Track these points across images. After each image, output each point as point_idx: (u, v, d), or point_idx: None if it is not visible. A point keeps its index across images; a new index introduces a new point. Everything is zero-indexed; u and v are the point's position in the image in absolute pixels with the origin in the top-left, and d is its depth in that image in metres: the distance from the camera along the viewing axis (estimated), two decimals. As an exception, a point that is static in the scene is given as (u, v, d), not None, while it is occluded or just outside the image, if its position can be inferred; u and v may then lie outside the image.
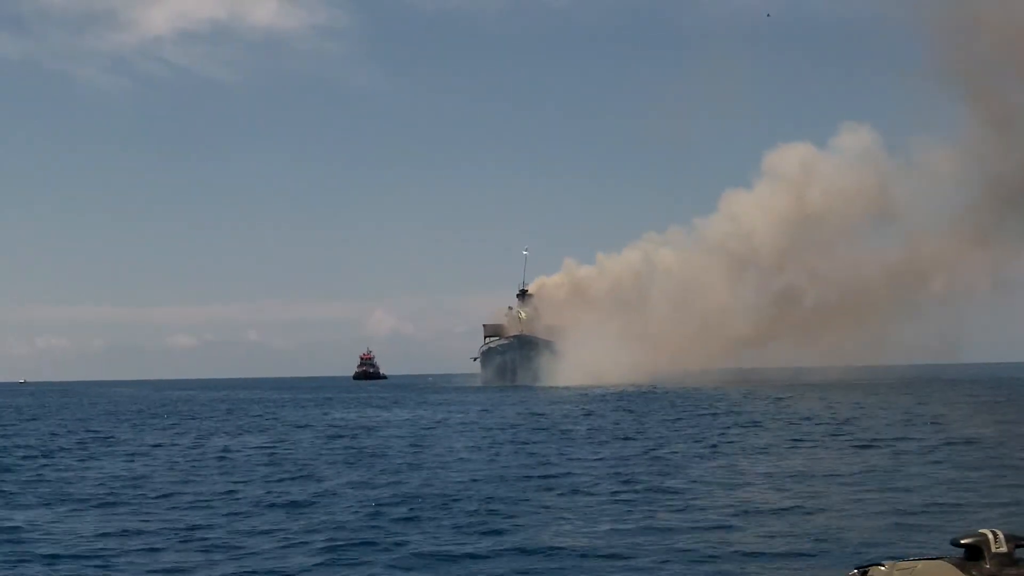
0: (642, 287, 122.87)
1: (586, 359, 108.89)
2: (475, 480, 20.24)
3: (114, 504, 17.99)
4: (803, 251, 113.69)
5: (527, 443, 30.05)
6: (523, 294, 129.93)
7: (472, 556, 12.43)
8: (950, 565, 1.38)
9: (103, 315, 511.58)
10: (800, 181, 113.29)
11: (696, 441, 29.39)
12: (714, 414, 44.37)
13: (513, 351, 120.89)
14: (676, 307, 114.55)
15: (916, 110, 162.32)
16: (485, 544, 13.25)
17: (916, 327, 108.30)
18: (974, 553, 1.48)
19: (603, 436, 32.66)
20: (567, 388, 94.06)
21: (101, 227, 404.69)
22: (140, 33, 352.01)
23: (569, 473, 21.53)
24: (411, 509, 16.35)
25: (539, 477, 20.86)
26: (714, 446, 27.58)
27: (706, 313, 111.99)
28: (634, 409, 50.24)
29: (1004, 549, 1.50)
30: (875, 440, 27.78)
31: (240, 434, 38.05)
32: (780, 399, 57.72)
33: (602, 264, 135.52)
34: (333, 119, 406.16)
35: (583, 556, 12.32)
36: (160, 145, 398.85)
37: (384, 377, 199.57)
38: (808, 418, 39.26)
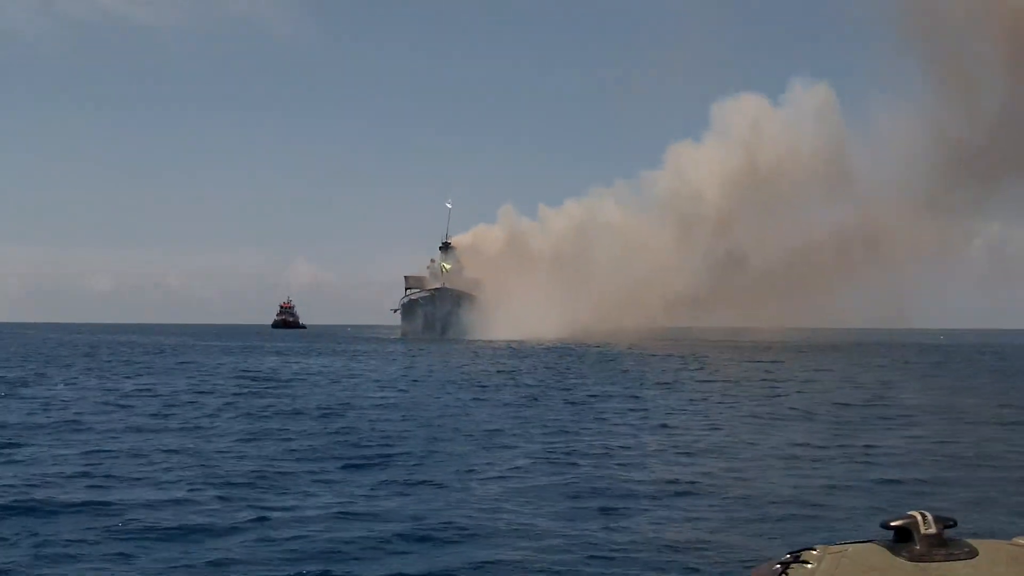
0: (583, 242, 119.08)
1: (513, 314, 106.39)
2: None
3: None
4: (751, 211, 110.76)
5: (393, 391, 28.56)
6: (446, 246, 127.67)
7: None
8: (880, 547, 1.48)
9: (21, 255, 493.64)
10: (750, 138, 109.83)
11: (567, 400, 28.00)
12: (617, 372, 43.36)
13: (434, 304, 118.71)
14: (616, 264, 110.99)
15: (875, 70, 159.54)
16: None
17: (862, 293, 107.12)
18: (903, 535, 1.54)
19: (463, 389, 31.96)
20: (489, 342, 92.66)
21: (23, 167, 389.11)
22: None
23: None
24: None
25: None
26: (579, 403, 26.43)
27: (647, 271, 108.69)
28: (536, 365, 49.09)
29: (933, 530, 1.56)
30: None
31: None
32: (702, 358, 57.34)
33: (544, 217, 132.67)
34: (260, 66, 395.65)
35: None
36: (86, 88, 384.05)
37: (303, 327, 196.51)
38: (708, 380, 38.34)
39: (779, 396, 29.24)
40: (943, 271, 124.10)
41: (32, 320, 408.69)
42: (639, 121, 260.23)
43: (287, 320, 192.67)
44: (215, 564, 8.92)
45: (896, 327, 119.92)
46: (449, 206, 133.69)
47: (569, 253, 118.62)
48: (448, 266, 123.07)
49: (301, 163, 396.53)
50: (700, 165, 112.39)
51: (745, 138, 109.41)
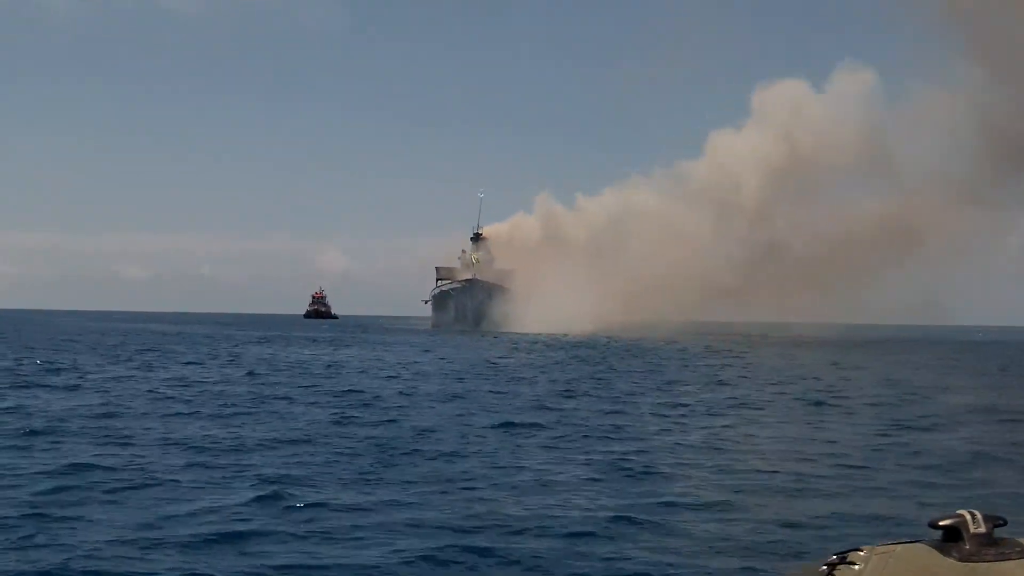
0: (620, 231, 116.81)
1: (547, 306, 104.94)
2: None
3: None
4: (790, 200, 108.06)
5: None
6: (477, 237, 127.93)
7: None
8: (929, 547, 1.45)
9: (53, 241, 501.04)
10: (790, 124, 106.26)
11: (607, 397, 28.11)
12: (654, 368, 43.39)
13: (465, 295, 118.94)
14: (653, 253, 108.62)
15: (919, 56, 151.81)
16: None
17: (902, 286, 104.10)
18: (952, 534, 1.48)
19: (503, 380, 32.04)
20: (520, 334, 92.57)
21: (54, 152, 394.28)
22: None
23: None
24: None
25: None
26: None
27: (684, 261, 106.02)
28: (567, 359, 49.24)
29: (983, 529, 1.50)
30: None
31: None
32: (742, 355, 56.58)
33: (581, 207, 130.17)
34: (292, 55, 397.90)
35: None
36: (117, 71, 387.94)
37: (335, 317, 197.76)
38: (745, 377, 38.20)
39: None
40: (983, 264, 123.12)
41: (65, 307, 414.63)
42: (680, 110, 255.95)
43: (319, 310, 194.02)
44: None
45: (936, 323, 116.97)
46: (481, 196, 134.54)
47: (605, 242, 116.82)
48: (479, 257, 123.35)
49: (334, 152, 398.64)
50: (740, 153, 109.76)
51: (785, 125, 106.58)
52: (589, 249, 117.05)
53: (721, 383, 32.97)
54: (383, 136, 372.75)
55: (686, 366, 44.14)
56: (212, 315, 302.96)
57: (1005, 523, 1.65)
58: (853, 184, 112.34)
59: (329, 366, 40.41)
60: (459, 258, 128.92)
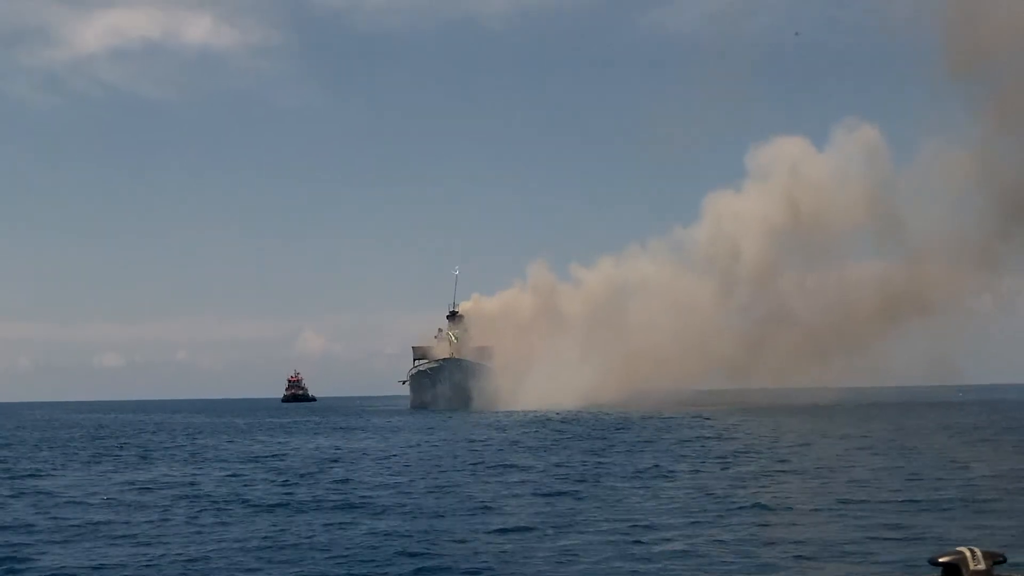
0: (618, 304, 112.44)
1: (532, 382, 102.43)
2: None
3: None
4: (793, 264, 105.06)
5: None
6: (453, 315, 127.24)
7: None
8: None
9: (29, 332, 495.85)
10: (791, 184, 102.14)
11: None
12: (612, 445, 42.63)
13: (442, 374, 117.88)
14: (652, 326, 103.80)
15: (924, 112, 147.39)
16: None
17: (914, 348, 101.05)
18: (952, 571, 1.49)
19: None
20: (505, 413, 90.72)
21: (29, 243, 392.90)
22: (72, 50, 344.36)
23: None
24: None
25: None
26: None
27: (684, 332, 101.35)
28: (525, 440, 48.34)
29: (982, 567, 1.52)
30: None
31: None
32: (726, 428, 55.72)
33: (577, 276, 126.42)
34: (266, 137, 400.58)
35: None
36: (91, 163, 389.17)
37: (313, 399, 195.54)
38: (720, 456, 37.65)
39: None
40: (993, 325, 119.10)
41: (41, 399, 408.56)
42: (675, 173, 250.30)
43: (296, 394, 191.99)
44: None
45: (949, 383, 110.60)
46: (456, 273, 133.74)
47: (603, 315, 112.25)
48: (456, 335, 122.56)
49: (308, 233, 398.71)
50: (739, 215, 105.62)
51: (785, 184, 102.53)
52: (586, 322, 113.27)
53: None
54: (360, 213, 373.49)
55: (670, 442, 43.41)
56: (189, 401, 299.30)
57: (1004, 560, 1.65)
58: (858, 246, 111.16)
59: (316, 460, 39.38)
60: (436, 336, 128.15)
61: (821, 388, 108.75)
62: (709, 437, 46.21)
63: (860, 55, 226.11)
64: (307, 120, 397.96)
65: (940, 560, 1.59)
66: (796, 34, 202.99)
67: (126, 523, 19.79)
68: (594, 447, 40.34)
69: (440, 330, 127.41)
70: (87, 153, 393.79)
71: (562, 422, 65.31)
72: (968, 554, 1.57)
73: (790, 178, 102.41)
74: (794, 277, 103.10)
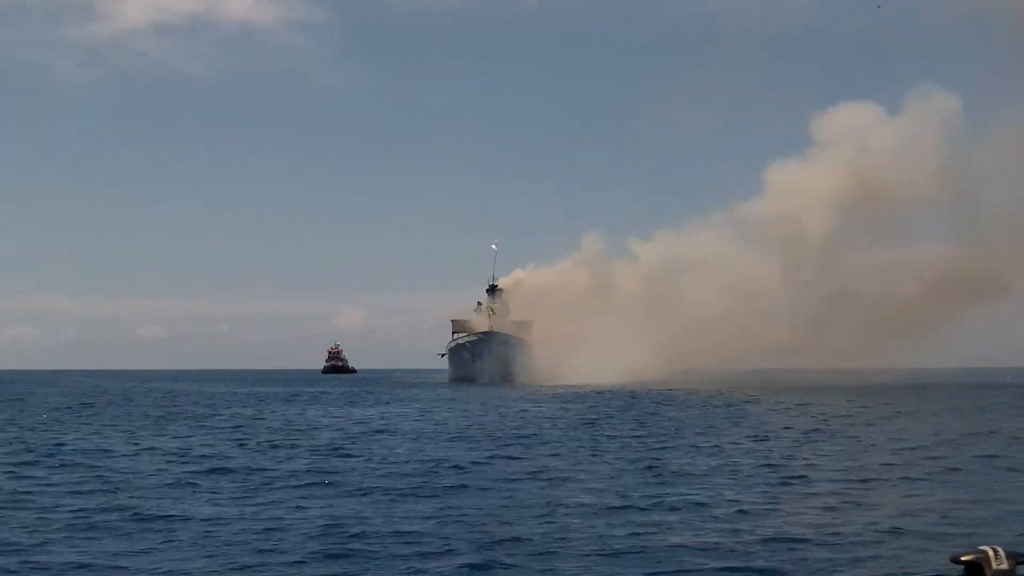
0: (674, 280, 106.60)
1: (576, 359, 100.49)
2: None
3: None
4: (859, 240, 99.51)
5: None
6: (493, 289, 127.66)
7: None
8: None
9: (75, 306, 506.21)
10: (859, 153, 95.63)
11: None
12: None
13: (481, 347, 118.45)
14: (709, 303, 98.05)
15: (1002, 82, 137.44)
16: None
17: (980, 330, 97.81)
18: (974, 570, 1.48)
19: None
20: (539, 387, 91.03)
21: (74, 218, 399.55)
22: (116, 25, 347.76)
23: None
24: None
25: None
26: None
27: (742, 311, 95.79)
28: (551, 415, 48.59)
29: (1005, 566, 1.49)
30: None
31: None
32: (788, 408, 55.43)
33: (632, 251, 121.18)
34: (305, 114, 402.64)
35: None
36: (133, 137, 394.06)
37: (354, 371, 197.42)
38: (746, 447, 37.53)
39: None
40: None
41: (86, 367, 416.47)
42: (737, 143, 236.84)
43: (336, 365, 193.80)
44: None
45: (996, 366, 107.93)
46: (495, 248, 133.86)
47: (658, 291, 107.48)
48: (493, 309, 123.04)
49: (351, 208, 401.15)
50: (803, 188, 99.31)
51: (853, 154, 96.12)
52: (639, 298, 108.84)
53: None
54: (405, 189, 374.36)
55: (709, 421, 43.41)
56: (232, 372, 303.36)
57: None
58: (928, 222, 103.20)
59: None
60: (475, 310, 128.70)
61: (882, 369, 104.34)
62: (795, 415, 45.78)
63: (938, 23, 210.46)
64: (345, 97, 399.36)
65: (963, 559, 1.58)
66: (878, 7, 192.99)
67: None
68: (652, 424, 40.51)
69: (479, 303, 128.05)
70: (129, 128, 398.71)
71: (609, 398, 65.36)
72: (991, 553, 1.56)
73: (858, 148, 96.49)
74: (860, 254, 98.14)
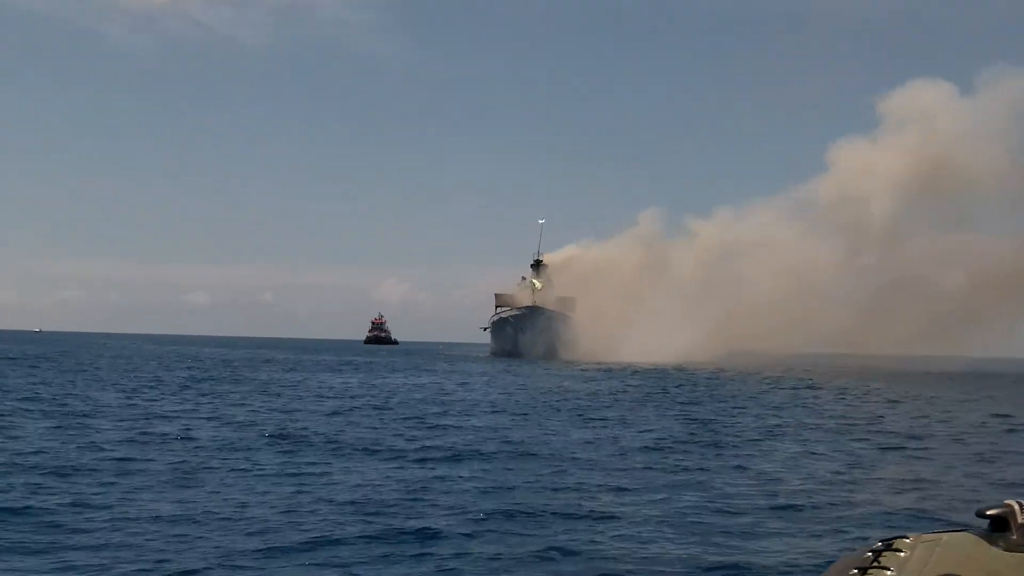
0: (732, 261, 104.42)
1: (624, 337, 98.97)
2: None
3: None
4: (926, 224, 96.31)
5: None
6: (538, 264, 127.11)
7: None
8: (975, 537, 1.46)
9: (122, 270, 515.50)
10: (928, 134, 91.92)
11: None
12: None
13: (524, 322, 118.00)
14: (767, 286, 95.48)
15: None
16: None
17: None
18: (999, 524, 1.49)
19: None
20: (580, 364, 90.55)
21: (125, 183, 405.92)
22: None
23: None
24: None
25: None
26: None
27: (801, 295, 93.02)
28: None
29: None
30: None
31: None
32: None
33: (691, 229, 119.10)
34: (353, 85, 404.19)
35: None
36: (182, 104, 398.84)
37: (395, 342, 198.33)
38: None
39: None
40: None
41: (131, 332, 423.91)
42: (799, 122, 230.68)
43: (379, 336, 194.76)
44: None
45: None
46: (542, 223, 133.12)
47: (715, 271, 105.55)
48: (537, 284, 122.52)
49: (396, 180, 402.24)
50: (868, 168, 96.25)
51: (922, 135, 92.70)
52: (694, 277, 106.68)
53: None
54: (448, 163, 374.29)
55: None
56: (275, 340, 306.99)
57: None
58: (999, 209, 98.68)
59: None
60: (519, 284, 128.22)
61: (945, 357, 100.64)
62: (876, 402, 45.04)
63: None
64: (393, 69, 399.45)
65: (988, 513, 1.51)
66: None
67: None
68: (701, 403, 39.86)
69: (523, 278, 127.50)
70: (179, 94, 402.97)
71: (657, 377, 64.64)
72: (1016, 507, 1.48)
73: (927, 129, 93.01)
74: (927, 240, 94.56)
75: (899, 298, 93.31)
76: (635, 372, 70.17)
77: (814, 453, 20.98)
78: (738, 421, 29.15)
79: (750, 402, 38.91)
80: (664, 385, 52.09)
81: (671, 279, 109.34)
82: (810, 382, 58.83)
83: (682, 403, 37.34)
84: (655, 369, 76.32)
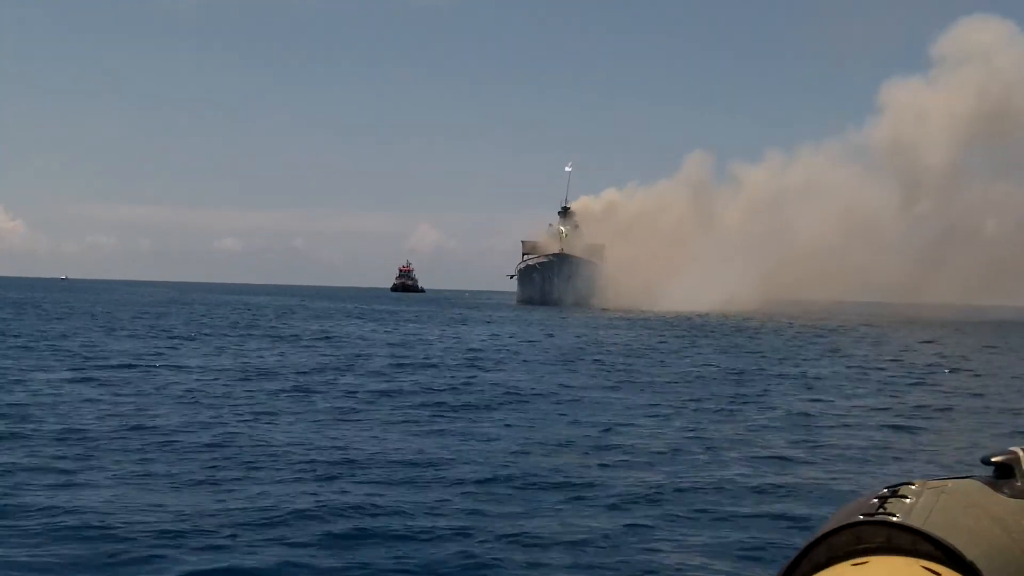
0: (781, 208, 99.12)
1: (654, 283, 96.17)
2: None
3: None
4: (983, 170, 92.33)
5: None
6: (565, 211, 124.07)
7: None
8: (981, 484, 1.25)
9: (152, 215, 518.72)
10: (986, 73, 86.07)
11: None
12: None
13: (551, 269, 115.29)
14: (818, 234, 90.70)
15: None
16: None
17: None
18: (1005, 471, 1.25)
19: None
20: (608, 311, 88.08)
21: (158, 128, 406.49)
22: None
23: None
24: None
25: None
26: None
27: (853, 243, 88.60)
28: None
29: None
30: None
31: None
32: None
33: (738, 175, 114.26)
34: (393, 34, 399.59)
35: None
36: (222, 52, 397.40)
37: (422, 290, 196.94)
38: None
39: None
40: None
41: (161, 279, 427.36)
42: (854, 58, 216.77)
43: (406, 284, 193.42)
44: None
45: None
46: (569, 170, 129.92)
47: (760, 216, 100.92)
48: (564, 231, 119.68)
49: (433, 126, 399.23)
50: (923, 110, 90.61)
51: (980, 74, 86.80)
52: (743, 226, 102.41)
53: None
54: (487, 111, 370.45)
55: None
56: (305, 287, 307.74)
57: None
58: None
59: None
60: (546, 231, 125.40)
61: (1005, 307, 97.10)
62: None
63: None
64: (433, 18, 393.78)
65: (993, 459, 1.22)
66: None
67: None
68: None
69: (550, 225, 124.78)
70: (219, 42, 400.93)
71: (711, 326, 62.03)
72: (1022, 454, 1.21)
73: (985, 67, 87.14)
74: (983, 186, 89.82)
75: (954, 247, 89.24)
76: (670, 323, 67.52)
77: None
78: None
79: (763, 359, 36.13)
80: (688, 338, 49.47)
81: (717, 227, 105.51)
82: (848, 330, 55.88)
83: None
84: (686, 319, 73.56)
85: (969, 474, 1.30)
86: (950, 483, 1.33)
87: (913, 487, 1.31)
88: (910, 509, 1.23)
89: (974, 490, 1.32)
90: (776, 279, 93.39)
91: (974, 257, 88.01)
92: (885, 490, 1.31)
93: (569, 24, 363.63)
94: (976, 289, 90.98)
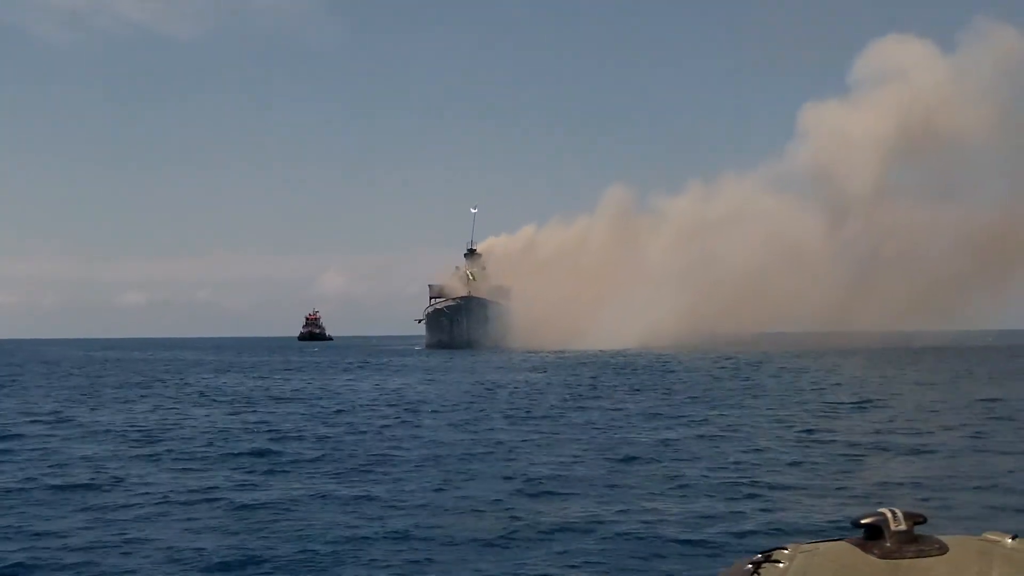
0: (704, 238, 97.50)
1: (572, 321, 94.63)
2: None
3: None
4: (908, 192, 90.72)
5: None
6: (471, 253, 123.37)
7: None
8: (851, 545, 1.56)
9: (54, 270, 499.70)
10: (907, 93, 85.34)
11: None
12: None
13: (460, 313, 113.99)
14: (741, 263, 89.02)
15: None
16: None
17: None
18: (874, 532, 1.61)
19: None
20: (512, 353, 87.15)
21: (54, 181, 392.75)
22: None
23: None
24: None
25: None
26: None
27: (778, 270, 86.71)
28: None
29: (903, 527, 1.63)
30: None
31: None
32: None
33: (658, 207, 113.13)
34: (290, 76, 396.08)
35: None
36: (114, 100, 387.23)
37: (330, 338, 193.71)
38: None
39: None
40: None
41: (64, 336, 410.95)
42: (771, 86, 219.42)
43: (313, 332, 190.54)
44: None
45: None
46: (474, 211, 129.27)
47: (683, 247, 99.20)
48: (472, 274, 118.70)
49: (332, 171, 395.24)
50: (843, 133, 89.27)
51: (901, 94, 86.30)
52: (665, 256, 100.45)
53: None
54: (391, 150, 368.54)
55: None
56: (209, 339, 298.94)
57: (925, 521, 1.63)
58: (985, 172, 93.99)
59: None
60: (453, 275, 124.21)
61: (930, 332, 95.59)
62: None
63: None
64: (331, 59, 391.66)
65: (863, 521, 1.56)
66: None
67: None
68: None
69: (457, 268, 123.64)
70: (110, 90, 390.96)
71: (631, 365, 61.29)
72: (890, 515, 1.56)
73: (905, 87, 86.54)
74: (909, 207, 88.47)
75: (882, 271, 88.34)
76: (580, 362, 66.79)
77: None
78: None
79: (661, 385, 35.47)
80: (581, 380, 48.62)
81: (640, 261, 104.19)
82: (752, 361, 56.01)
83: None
84: (596, 359, 73.00)
85: (840, 536, 1.44)
86: (822, 546, 1.47)
87: (786, 551, 1.44)
88: (783, 574, 1.33)
89: (845, 552, 1.44)
90: (701, 310, 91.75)
91: (901, 280, 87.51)
92: (759, 555, 1.43)
93: (476, 60, 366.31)
94: (903, 313, 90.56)
